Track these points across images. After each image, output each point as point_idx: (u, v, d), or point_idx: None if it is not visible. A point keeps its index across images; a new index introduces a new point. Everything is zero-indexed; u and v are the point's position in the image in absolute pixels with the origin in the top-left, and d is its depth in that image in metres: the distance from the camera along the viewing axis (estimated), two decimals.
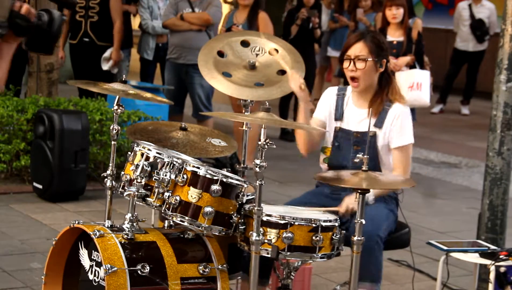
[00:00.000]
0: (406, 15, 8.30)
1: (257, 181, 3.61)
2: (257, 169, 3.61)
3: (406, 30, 8.29)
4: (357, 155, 3.88)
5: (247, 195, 3.93)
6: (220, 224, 3.84)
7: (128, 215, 3.93)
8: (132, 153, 4.03)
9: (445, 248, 4.67)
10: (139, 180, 3.92)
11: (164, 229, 4.04)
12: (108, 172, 4.15)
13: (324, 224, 3.79)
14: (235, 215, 3.86)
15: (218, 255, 3.94)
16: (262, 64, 4.34)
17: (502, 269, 4.50)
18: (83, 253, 3.97)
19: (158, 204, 3.91)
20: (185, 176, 3.85)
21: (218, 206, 3.82)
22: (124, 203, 4.06)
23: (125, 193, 3.94)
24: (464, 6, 12.92)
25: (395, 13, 8.19)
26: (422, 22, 9.14)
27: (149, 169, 3.89)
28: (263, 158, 3.63)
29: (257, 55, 4.39)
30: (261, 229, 3.67)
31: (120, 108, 4.19)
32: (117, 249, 3.77)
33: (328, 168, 4.40)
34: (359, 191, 3.70)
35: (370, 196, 4.21)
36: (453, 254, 4.66)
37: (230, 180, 3.86)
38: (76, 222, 3.92)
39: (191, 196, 3.82)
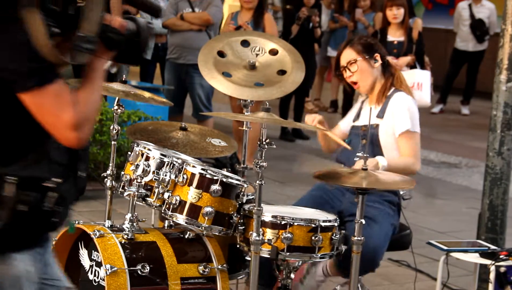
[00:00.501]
0: (407, 15, 8.30)
1: (257, 181, 3.61)
2: (257, 169, 3.61)
3: (406, 30, 8.29)
4: (357, 154, 3.89)
5: (247, 195, 3.93)
6: (220, 224, 3.84)
7: (128, 215, 3.94)
8: (132, 153, 4.03)
9: (445, 248, 4.67)
10: (139, 180, 3.92)
11: (164, 229, 4.04)
12: (108, 172, 4.15)
13: (323, 224, 3.79)
14: (235, 215, 3.86)
15: (218, 255, 3.94)
16: (262, 64, 4.34)
17: (502, 269, 4.49)
18: (83, 253, 3.97)
19: (158, 204, 3.91)
20: (185, 176, 3.85)
21: (218, 206, 3.82)
22: (124, 203, 4.06)
23: (125, 193, 3.94)
24: (464, 6, 12.92)
25: (395, 13, 8.19)
26: (422, 22, 9.14)
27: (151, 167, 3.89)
28: (263, 158, 3.64)
29: (257, 55, 4.38)
30: (260, 230, 3.67)
31: (120, 108, 4.19)
32: (117, 249, 3.77)
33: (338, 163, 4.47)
34: (359, 190, 3.70)
35: (383, 161, 4.18)
36: (453, 254, 4.66)
37: (230, 180, 3.86)
38: (76, 222, 3.92)
39: (191, 196, 3.82)
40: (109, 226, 3.95)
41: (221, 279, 3.91)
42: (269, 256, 3.73)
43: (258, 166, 3.61)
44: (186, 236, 3.96)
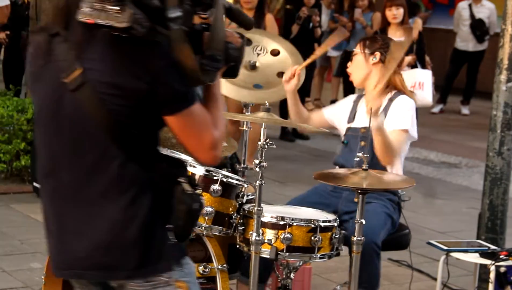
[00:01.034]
0: (406, 15, 8.30)
1: (257, 181, 3.61)
2: (257, 169, 3.61)
3: (406, 30, 8.28)
4: (357, 154, 3.88)
5: (247, 195, 3.93)
6: (220, 224, 3.84)
7: None
8: None
9: (445, 248, 4.67)
10: None
11: None
12: None
13: (323, 224, 3.79)
14: (235, 215, 3.86)
15: (218, 255, 3.94)
16: (263, 65, 4.33)
17: (502, 269, 4.49)
18: None
19: None
20: None
21: (218, 206, 3.82)
22: None
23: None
24: (464, 6, 12.91)
25: (395, 13, 8.19)
26: (422, 22, 9.14)
27: None
28: (263, 158, 3.64)
29: (258, 54, 4.38)
30: (260, 230, 3.67)
31: None
32: None
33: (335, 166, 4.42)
34: (359, 191, 3.70)
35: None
36: (453, 254, 4.66)
37: (230, 180, 3.86)
38: None
39: None
40: None
41: (221, 279, 3.90)
42: (268, 257, 3.73)
43: (258, 166, 3.61)
44: None
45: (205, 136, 2.44)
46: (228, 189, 3.84)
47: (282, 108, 10.16)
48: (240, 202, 3.88)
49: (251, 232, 3.67)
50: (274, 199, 6.02)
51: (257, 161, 3.63)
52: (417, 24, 8.82)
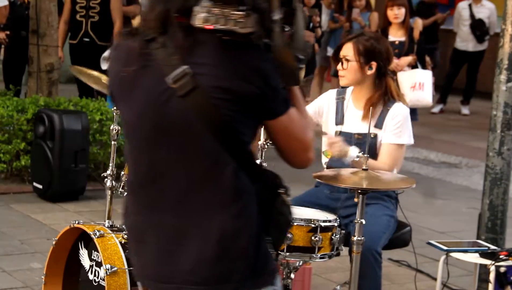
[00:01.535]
0: (408, 15, 8.30)
1: None
2: None
3: (407, 30, 8.29)
4: (357, 154, 3.88)
5: None
6: None
7: None
8: None
9: (445, 248, 4.67)
10: None
11: None
12: (108, 172, 4.15)
13: (323, 224, 3.79)
14: None
15: None
16: None
17: (502, 269, 4.49)
18: (83, 253, 3.97)
19: None
20: None
21: None
22: None
23: (125, 193, 3.93)
24: (464, 6, 12.91)
25: (396, 13, 8.20)
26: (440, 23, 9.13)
27: None
28: (263, 158, 3.64)
29: None
30: None
31: None
32: (117, 249, 3.77)
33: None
34: (359, 191, 3.70)
35: (353, 152, 4.10)
36: (453, 254, 4.65)
37: None
38: (76, 222, 3.92)
39: None
40: (109, 226, 3.96)
41: None
42: None
43: None
44: None
45: (305, 137, 2.42)
46: None
47: None
48: None
49: None
50: None
51: (257, 161, 3.62)
52: (418, 24, 8.83)
